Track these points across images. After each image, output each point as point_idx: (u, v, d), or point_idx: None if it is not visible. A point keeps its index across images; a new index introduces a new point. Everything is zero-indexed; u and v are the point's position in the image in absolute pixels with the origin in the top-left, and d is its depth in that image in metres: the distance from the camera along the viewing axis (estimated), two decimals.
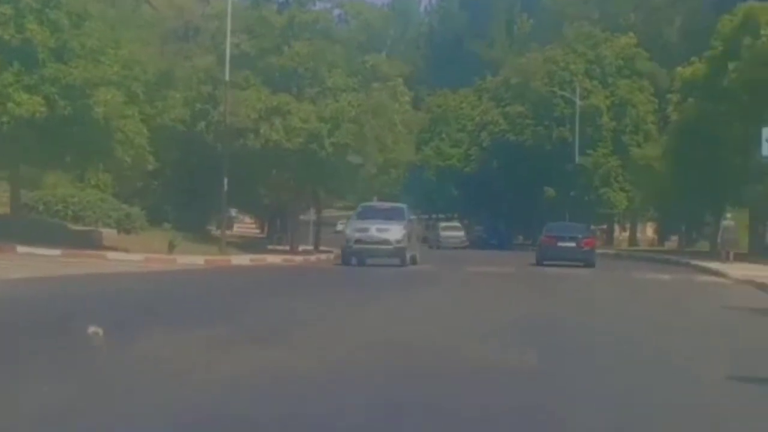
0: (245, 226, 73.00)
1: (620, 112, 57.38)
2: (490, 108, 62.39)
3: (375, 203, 35.63)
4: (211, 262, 27.52)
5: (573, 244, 32.87)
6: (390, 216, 29.40)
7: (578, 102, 55.77)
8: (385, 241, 28.13)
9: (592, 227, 60.74)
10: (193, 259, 27.30)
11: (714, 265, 30.81)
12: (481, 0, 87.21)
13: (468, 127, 66.78)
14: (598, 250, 46.58)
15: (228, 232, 63.22)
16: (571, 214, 52.75)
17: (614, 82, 57.96)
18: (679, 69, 45.60)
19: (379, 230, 28.35)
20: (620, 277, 25.96)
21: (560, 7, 70.52)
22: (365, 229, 28.49)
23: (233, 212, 62.03)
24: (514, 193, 59.38)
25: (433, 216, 75.24)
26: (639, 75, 58.32)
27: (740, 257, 34.98)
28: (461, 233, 61.63)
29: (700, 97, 41.65)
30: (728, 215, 38.82)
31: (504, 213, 65.28)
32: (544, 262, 32.21)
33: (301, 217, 43.83)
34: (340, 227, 51.72)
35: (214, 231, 39.77)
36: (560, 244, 32.89)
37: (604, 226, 63.96)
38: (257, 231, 64.70)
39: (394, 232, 28.25)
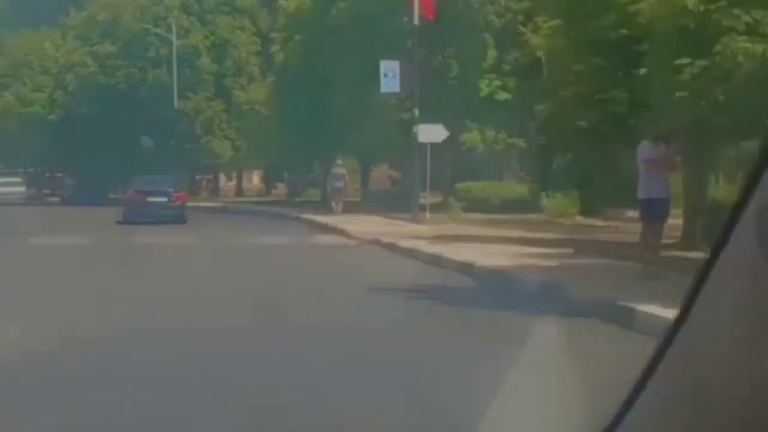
0: None
1: (221, 53, 52.85)
2: (77, 48, 55.41)
3: None
4: None
5: (164, 199, 30.21)
6: None
7: (175, 41, 50.57)
8: None
9: (198, 177, 57.03)
10: None
11: (329, 219, 27.47)
12: None
13: (52, 70, 59.28)
14: (204, 204, 42.91)
15: None
16: (173, 165, 48.46)
17: (213, 20, 53.23)
18: (281, 2, 41.83)
19: None
20: (225, 242, 21.27)
21: None
22: None
23: None
24: (109, 142, 53.24)
25: (20, 170, 67.39)
26: (240, 13, 54.00)
27: (352, 207, 32.20)
28: (21, 188, 58.34)
29: (306, 35, 38.13)
30: (339, 161, 36.50)
31: (99, 164, 58.96)
32: (133, 221, 28.51)
33: None
34: None
35: None
36: (150, 199, 29.94)
37: (210, 176, 59.69)
38: None
39: None
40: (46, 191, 63.13)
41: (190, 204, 37.51)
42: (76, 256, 18.23)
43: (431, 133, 26.37)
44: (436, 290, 11.85)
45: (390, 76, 26.79)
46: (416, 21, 25.79)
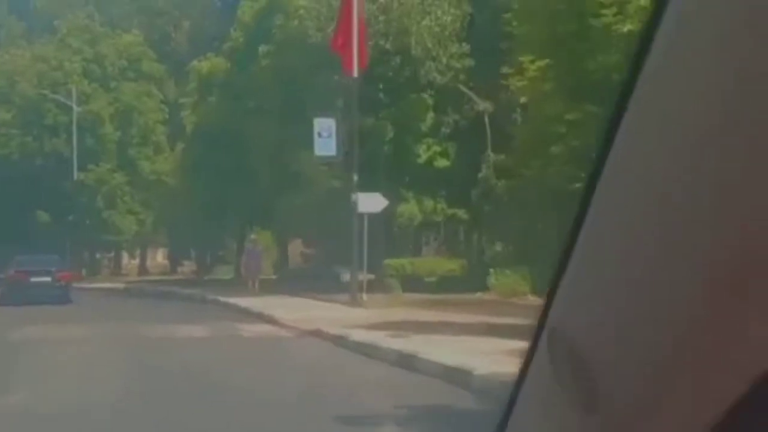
0: None
1: (126, 121, 48.94)
2: None
3: None
4: None
5: (48, 279, 28.94)
6: None
7: (75, 108, 46.57)
8: None
9: (98, 255, 52.79)
10: None
11: (250, 302, 23.83)
12: None
13: None
14: (104, 284, 38.92)
15: None
16: (71, 242, 44.30)
17: (118, 86, 49.43)
18: (194, 64, 38.36)
19: None
20: (127, 336, 17.22)
21: (54, 9, 60.28)
22: None
23: None
24: (1, 217, 48.67)
25: None
26: (147, 79, 50.27)
27: (269, 286, 29.58)
28: None
29: (221, 96, 34.66)
30: (253, 236, 33.46)
31: None
32: (13, 303, 26.63)
33: None
34: None
35: None
36: (33, 279, 28.63)
37: (111, 254, 55.10)
38: None
39: None
40: None
41: (89, 285, 34.06)
42: None
43: (371, 202, 22.97)
44: (445, 421, 8.02)
45: (325, 135, 23.20)
46: (356, 73, 22.21)
